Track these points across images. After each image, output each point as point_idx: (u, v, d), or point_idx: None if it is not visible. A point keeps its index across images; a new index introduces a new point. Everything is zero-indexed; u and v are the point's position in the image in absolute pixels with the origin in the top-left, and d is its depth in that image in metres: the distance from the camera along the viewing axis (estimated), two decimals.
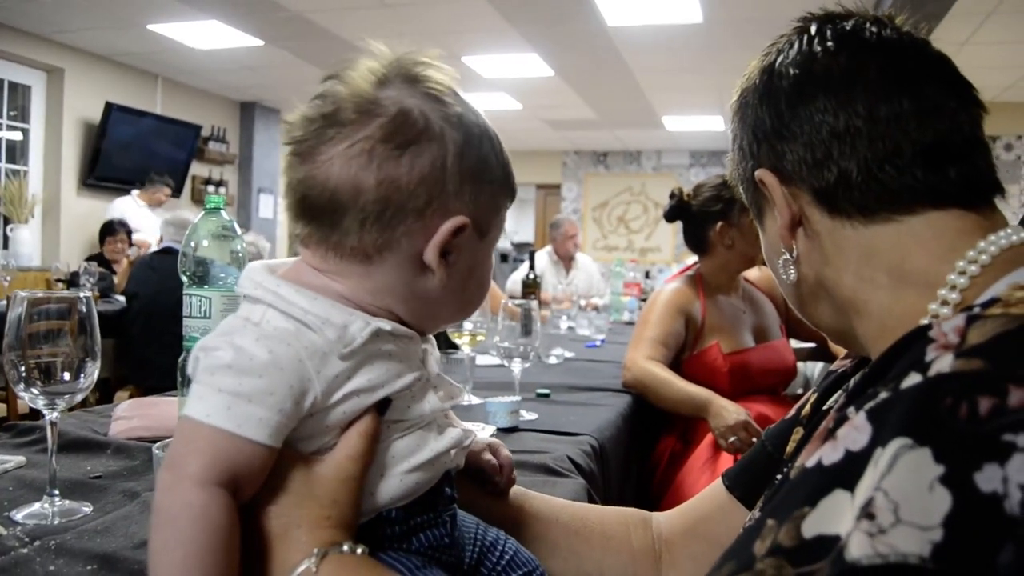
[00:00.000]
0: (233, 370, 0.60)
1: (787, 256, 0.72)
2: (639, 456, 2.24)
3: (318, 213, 0.65)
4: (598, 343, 3.26)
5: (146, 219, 6.40)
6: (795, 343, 2.61)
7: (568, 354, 2.77)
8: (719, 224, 2.32)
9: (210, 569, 0.56)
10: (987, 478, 0.40)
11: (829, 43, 0.69)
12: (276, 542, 0.61)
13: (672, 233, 11.01)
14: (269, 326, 0.63)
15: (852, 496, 0.45)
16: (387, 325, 0.66)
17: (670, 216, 2.45)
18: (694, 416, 2.20)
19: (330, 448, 0.65)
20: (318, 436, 0.65)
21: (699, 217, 2.37)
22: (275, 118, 9.28)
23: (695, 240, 2.42)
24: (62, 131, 6.89)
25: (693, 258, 2.54)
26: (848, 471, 0.47)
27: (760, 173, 0.71)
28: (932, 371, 0.47)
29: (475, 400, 1.78)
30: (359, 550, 0.61)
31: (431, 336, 0.75)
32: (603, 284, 5.72)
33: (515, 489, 0.88)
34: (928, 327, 0.51)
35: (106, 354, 4.24)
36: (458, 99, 0.68)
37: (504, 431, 1.53)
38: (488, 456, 0.84)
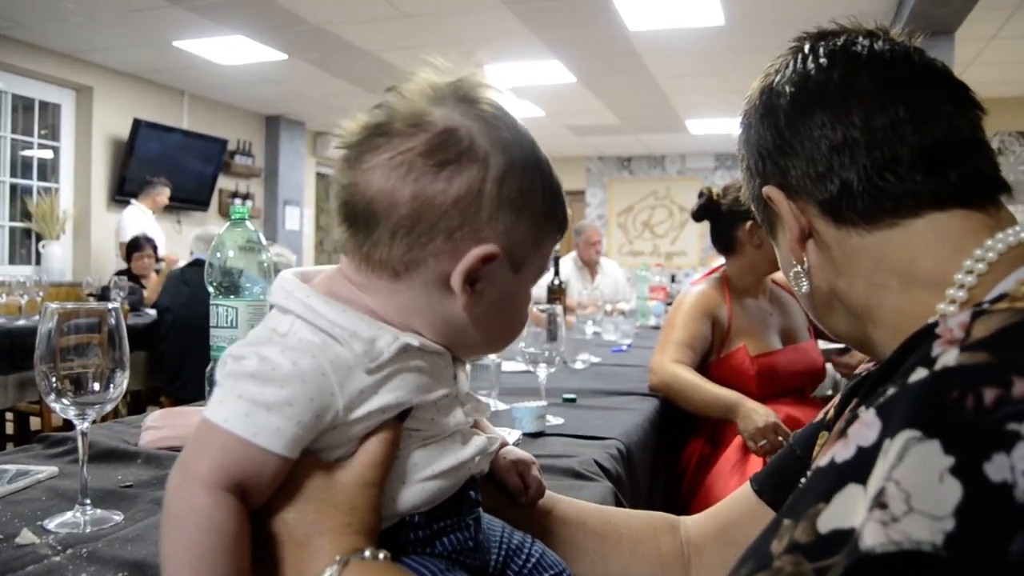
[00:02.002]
0: (256, 379, 0.60)
1: (799, 268, 0.74)
2: (667, 460, 2.23)
3: (355, 220, 0.65)
4: (624, 348, 3.25)
5: (151, 227, 6.43)
6: (823, 344, 2.59)
7: (594, 359, 2.76)
8: (748, 224, 2.30)
9: (220, 570, 0.56)
10: (997, 468, 0.40)
11: (822, 59, 0.72)
12: (297, 550, 0.61)
13: (698, 237, 10.96)
14: (295, 337, 0.64)
15: (865, 489, 0.46)
16: (415, 341, 0.65)
17: (698, 215, 2.44)
18: (722, 419, 2.18)
19: (350, 456, 0.65)
20: (340, 446, 0.65)
21: (727, 216, 2.36)
22: (300, 131, 9.37)
23: (723, 240, 2.41)
24: (91, 148, 7.00)
25: (719, 261, 2.52)
26: (860, 466, 0.47)
27: (767, 190, 0.73)
28: (938, 365, 0.47)
29: (501, 406, 1.78)
30: (381, 555, 0.61)
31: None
32: (629, 289, 5.70)
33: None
34: (935, 324, 0.52)
35: (137, 367, 4.32)
36: (512, 125, 0.68)
37: (530, 436, 1.53)
38: (515, 480, 0.83)
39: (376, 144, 0.65)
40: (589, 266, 6.02)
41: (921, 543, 0.40)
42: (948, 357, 0.47)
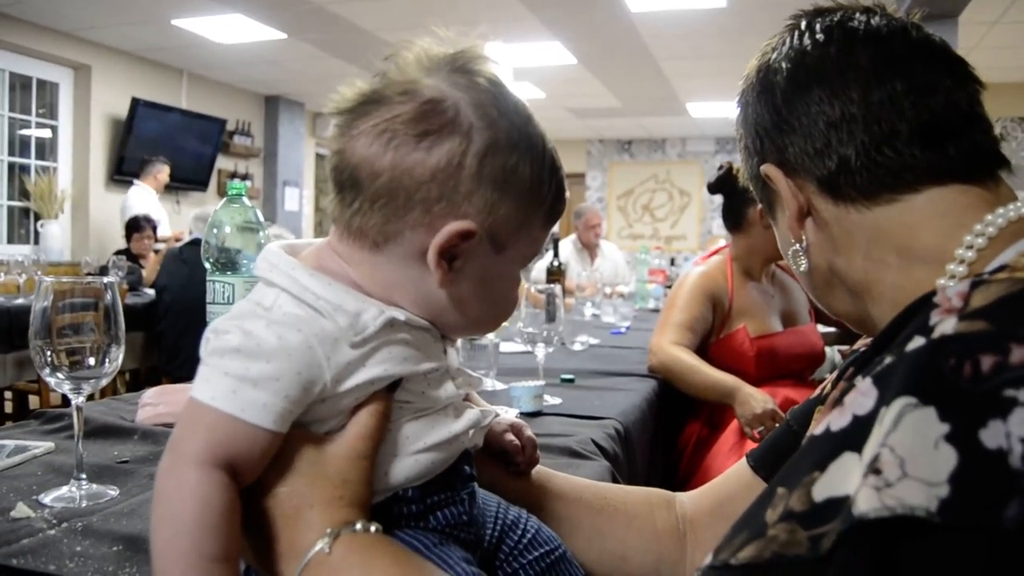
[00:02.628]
0: (241, 354, 0.59)
1: (797, 247, 0.73)
2: (665, 441, 2.23)
3: (341, 187, 0.65)
4: (623, 330, 3.24)
5: (155, 207, 6.41)
6: (822, 328, 2.59)
7: (593, 341, 2.75)
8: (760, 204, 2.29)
9: (203, 547, 0.56)
10: (992, 435, 0.41)
11: (819, 35, 0.71)
12: (288, 524, 0.60)
13: (697, 221, 10.96)
14: (280, 311, 0.63)
15: (860, 457, 0.46)
16: (401, 315, 0.65)
17: (714, 187, 2.42)
18: (720, 402, 2.18)
19: (341, 428, 0.64)
20: (331, 419, 0.64)
21: (742, 193, 2.34)
22: (299, 111, 9.33)
23: (733, 216, 2.39)
24: (90, 127, 6.97)
25: (718, 245, 2.52)
26: (856, 434, 0.47)
27: (765, 168, 0.73)
28: (936, 333, 0.47)
29: (499, 386, 1.78)
30: (372, 528, 0.61)
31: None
32: (628, 272, 5.70)
33: (537, 469, 0.87)
34: (932, 294, 0.52)
35: (135, 346, 4.32)
36: (505, 100, 0.65)
37: (528, 415, 1.53)
38: (510, 437, 0.83)
39: (366, 111, 0.64)
40: (589, 249, 6.01)
41: (915, 508, 0.40)
42: (946, 325, 0.47)
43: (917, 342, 0.48)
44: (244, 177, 8.61)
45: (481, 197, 0.63)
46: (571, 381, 1.97)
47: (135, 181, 6.61)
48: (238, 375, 0.59)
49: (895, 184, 0.66)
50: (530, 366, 1.86)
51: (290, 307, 0.63)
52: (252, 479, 0.61)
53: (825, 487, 0.47)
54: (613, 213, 11.35)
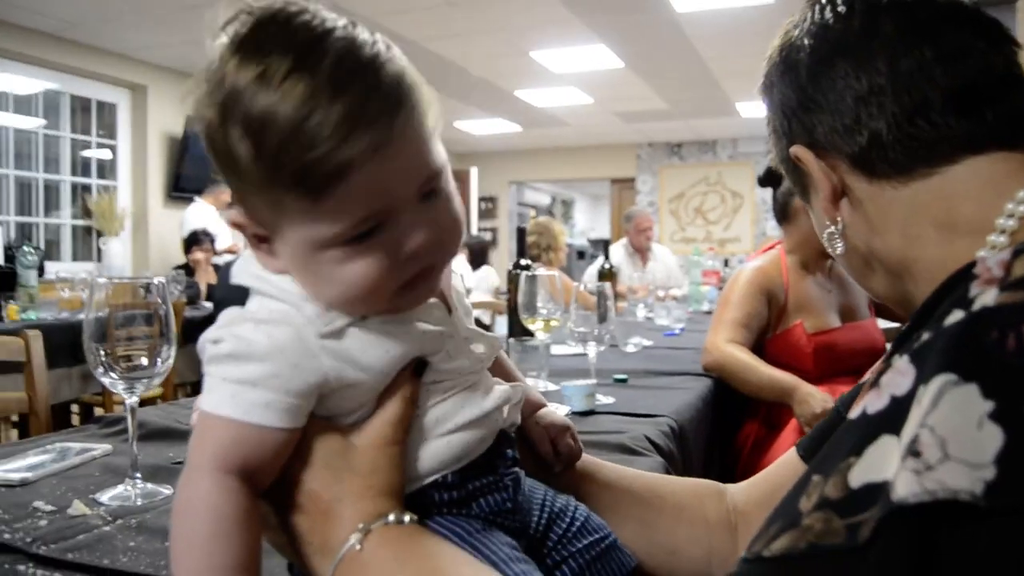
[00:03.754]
0: (234, 358, 0.59)
1: (833, 229, 0.71)
2: (722, 442, 2.18)
3: None
4: (677, 331, 3.20)
5: (214, 222, 6.53)
6: (883, 323, 2.51)
7: (646, 342, 2.72)
8: None
9: (215, 558, 0.54)
10: None
11: (840, 8, 0.68)
12: (320, 519, 0.59)
13: (751, 223, 10.81)
14: (265, 310, 0.62)
15: (899, 439, 0.43)
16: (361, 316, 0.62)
17: (763, 180, 2.38)
18: (777, 402, 2.13)
19: (368, 418, 0.63)
20: (355, 410, 0.63)
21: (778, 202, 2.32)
22: None
23: (782, 208, 2.36)
24: (147, 146, 7.14)
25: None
26: (893, 416, 0.44)
27: (794, 149, 0.70)
28: (976, 306, 0.44)
29: (551, 386, 1.76)
30: (407, 518, 0.59)
31: (451, 297, 0.70)
32: (681, 275, 5.64)
33: (586, 458, 0.86)
34: (972, 265, 0.49)
35: (195, 358, 4.39)
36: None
37: (580, 414, 1.51)
38: (546, 447, 0.81)
39: None
40: (640, 252, 5.97)
41: (958, 492, 0.38)
42: (987, 297, 0.44)
43: (956, 316, 0.45)
44: None
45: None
46: (624, 381, 1.95)
47: (196, 198, 6.75)
48: (236, 379, 0.58)
49: (931, 156, 0.62)
50: (582, 367, 1.84)
51: (272, 304, 0.62)
52: (270, 480, 0.60)
53: (862, 473, 0.44)
54: (665, 217, 11.25)
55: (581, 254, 11.32)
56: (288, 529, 0.60)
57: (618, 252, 5.84)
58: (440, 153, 0.62)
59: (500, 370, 0.79)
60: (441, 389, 0.66)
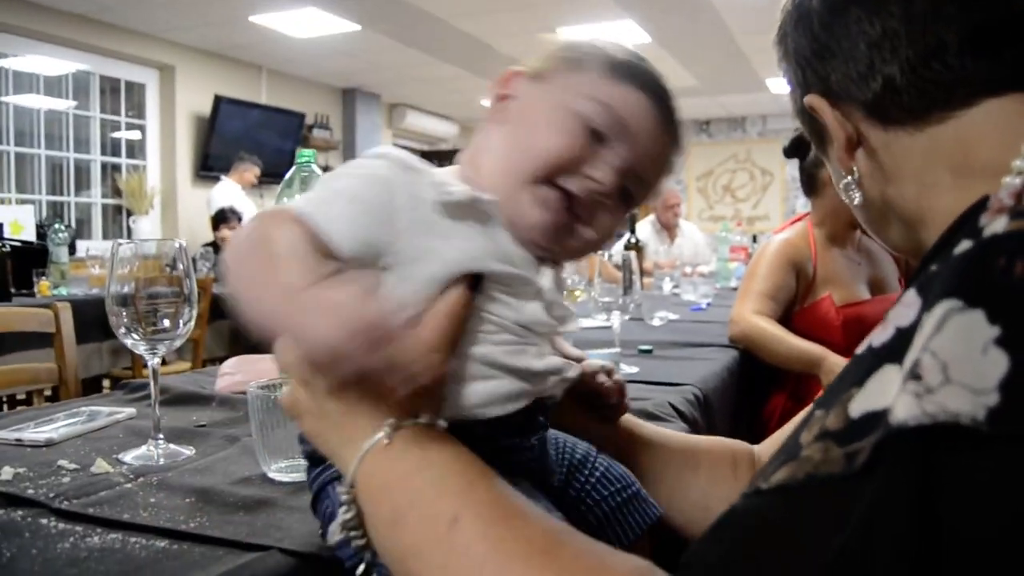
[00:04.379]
0: (327, 177, 0.64)
1: (849, 179, 0.69)
2: (749, 413, 2.16)
3: None
4: (704, 306, 3.17)
5: (240, 200, 6.55)
6: None
7: (672, 316, 2.69)
8: None
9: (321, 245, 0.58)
10: None
11: None
12: (352, 412, 0.60)
13: (780, 200, 10.69)
14: (382, 163, 0.65)
15: (901, 368, 0.42)
16: (487, 198, 0.65)
17: (789, 150, 2.35)
18: (805, 373, 2.11)
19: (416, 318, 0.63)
20: (407, 308, 0.62)
21: (814, 155, 2.27)
22: (376, 103, 9.44)
23: (807, 180, 2.32)
24: (175, 126, 7.20)
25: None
26: (896, 346, 0.43)
27: (809, 99, 0.68)
28: (985, 234, 0.43)
29: None
30: (441, 423, 0.59)
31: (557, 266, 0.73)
32: (709, 252, 5.58)
33: (625, 417, 0.86)
34: (986, 200, 0.47)
35: (223, 334, 4.44)
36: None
37: None
38: (602, 378, 0.81)
39: None
40: (668, 229, 5.91)
41: (959, 415, 0.37)
42: (996, 225, 0.43)
43: (964, 245, 0.43)
44: (325, 169, 8.64)
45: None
46: (649, 352, 1.93)
47: (222, 177, 6.79)
48: (318, 189, 0.63)
49: (947, 100, 0.60)
50: (606, 339, 1.83)
51: (387, 161, 0.65)
52: None
53: (863, 402, 0.43)
54: (693, 195, 11.16)
55: None
56: (323, 415, 0.61)
57: (645, 229, 5.79)
58: None
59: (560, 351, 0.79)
60: (495, 327, 0.65)
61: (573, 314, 0.73)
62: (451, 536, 0.53)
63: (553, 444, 0.74)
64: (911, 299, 0.45)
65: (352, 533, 0.58)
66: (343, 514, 0.59)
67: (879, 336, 0.46)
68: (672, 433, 0.91)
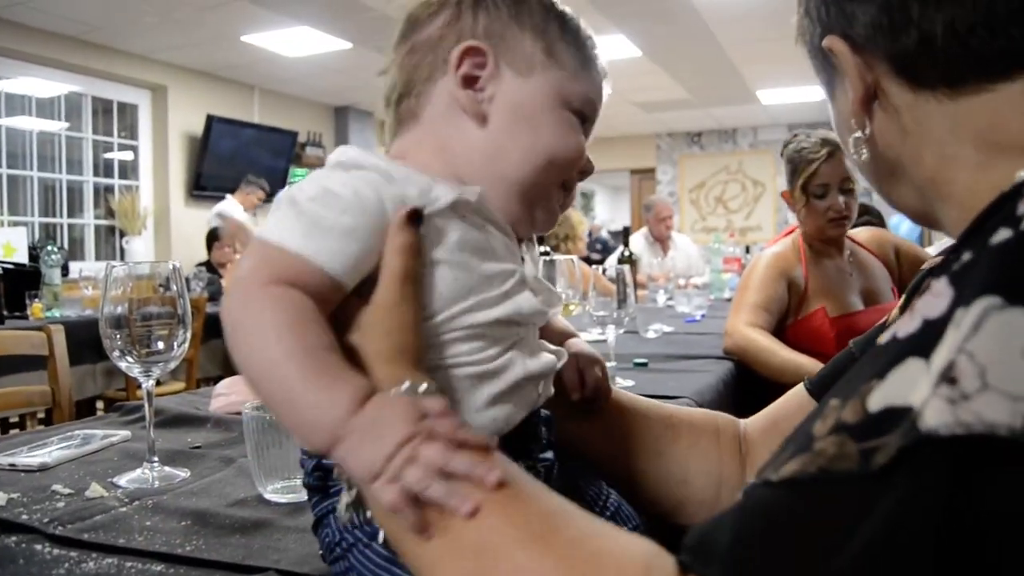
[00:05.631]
0: (317, 202, 0.58)
1: (859, 134, 0.63)
2: None
3: (387, 103, 0.72)
4: (698, 318, 3.18)
5: (240, 219, 6.54)
6: None
7: (667, 328, 2.70)
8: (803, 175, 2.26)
9: (310, 337, 0.54)
10: None
11: None
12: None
13: (773, 211, 10.72)
14: (357, 173, 0.62)
15: (928, 363, 0.39)
16: (473, 195, 0.64)
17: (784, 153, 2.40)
18: None
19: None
20: None
21: (789, 165, 2.33)
22: (369, 121, 9.45)
23: (790, 188, 2.35)
24: (168, 146, 7.20)
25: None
26: (923, 339, 0.41)
27: (829, 40, 0.61)
28: None
29: None
30: (423, 387, 0.55)
31: (529, 243, 0.73)
32: (702, 264, 5.60)
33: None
34: (1023, 184, 0.45)
35: (218, 354, 4.43)
36: None
37: None
38: (572, 373, 0.78)
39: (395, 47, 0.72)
40: (661, 242, 5.92)
41: (996, 426, 0.35)
42: None
43: (1003, 234, 0.41)
44: None
45: (484, 30, 0.68)
46: (644, 365, 1.93)
47: (228, 196, 6.73)
48: (313, 220, 0.58)
49: (986, 70, 0.55)
50: (602, 352, 1.83)
51: (367, 174, 0.62)
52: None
53: (883, 396, 0.41)
54: (685, 207, 11.18)
55: (604, 245, 11.23)
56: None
57: (638, 242, 5.80)
58: None
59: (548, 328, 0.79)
60: (492, 338, 0.64)
61: (558, 295, 0.73)
62: (443, 522, 0.50)
63: (569, 478, 0.74)
64: (942, 288, 0.43)
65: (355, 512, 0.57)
66: (346, 494, 0.57)
67: (905, 326, 0.44)
68: (651, 403, 0.88)
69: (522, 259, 0.69)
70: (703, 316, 3.23)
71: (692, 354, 2.10)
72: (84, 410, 3.79)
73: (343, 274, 0.58)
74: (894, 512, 0.37)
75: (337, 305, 0.59)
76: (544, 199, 0.69)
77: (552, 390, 0.72)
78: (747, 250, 6.61)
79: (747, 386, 2.08)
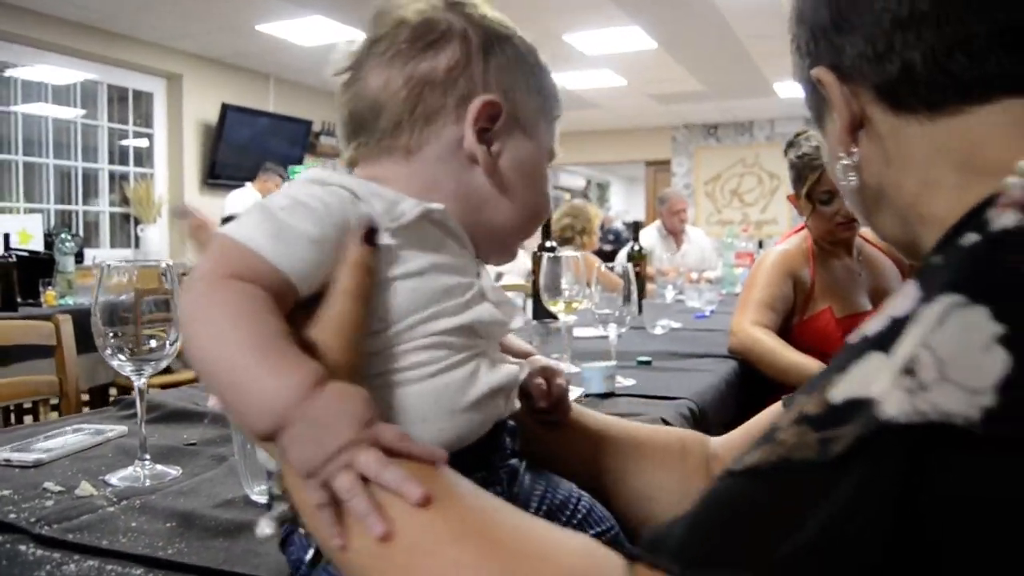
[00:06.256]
0: (287, 211, 0.59)
1: (848, 161, 0.65)
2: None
3: (362, 124, 0.68)
4: (707, 313, 3.16)
5: None
6: None
7: (675, 325, 2.68)
8: (810, 177, 2.23)
9: (270, 325, 0.54)
10: None
11: None
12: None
13: (788, 205, 10.65)
14: (329, 188, 0.62)
15: (889, 357, 0.40)
16: (438, 209, 0.64)
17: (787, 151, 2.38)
18: None
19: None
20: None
21: (793, 168, 2.29)
22: None
23: (795, 191, 2.32)
24: (183, 134, 7.23)
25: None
26: (887, 335, 0.42)
27: (817, 72, 0.64)
28: (994, 227, 0.42)
29: (573, 368, 1.74)
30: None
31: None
32: (715, 258, 5.57)
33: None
34: (996, 195, 0.46)
35: None
36: (493, 20, 0.72)
37: (599, 396, 1.50)
38: (538, 380, 0.79)
39: (370, 52, 0.68)
40: (674, 235, 5.89)
41: (952, 416, 0.36)
42: (1006, 219, 0.42)
43: (970, 238, 0.42)
44: None
45: (496, 82, 0.68)
46: (648, 363, 1.92)
47: (246, 184, 6.71)
48: (280, 225, 0.58)
49: (964, 94, 0.57)
50: (606, 349, 1.82)
51: (337, 189, 0.63)
52: None
53: (845, 388, 0.42)
54: (701, 199, 11.13)
55: (617, 237, 11.22)
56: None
57: (651, 235, 5.78)
58: None
59: (506, 346, 0.79)
60: (453, 348, 0.64)
61: (518, 308, 0.73)
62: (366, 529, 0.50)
63: (536, 484, 0.73)
64: (910, 289, 0.44)
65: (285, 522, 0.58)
66: (277, 506, 0.57)
67: (873, 325, 0.45)
68: (617, 421, 0.88)
69: (478, 273, 0.69)
70: (712, 312, 3.21)
71: (698, 352, 2.09)
72: (97, 397, 3.82)
73: (298, 280, 0.58)
74: (850, 498, 0.38)
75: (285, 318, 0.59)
76: (513, 243, 0.74)
77: (517, 404, 0.72)
78: (760, 244, 6.57)
79: (751, 386, 2.07)
